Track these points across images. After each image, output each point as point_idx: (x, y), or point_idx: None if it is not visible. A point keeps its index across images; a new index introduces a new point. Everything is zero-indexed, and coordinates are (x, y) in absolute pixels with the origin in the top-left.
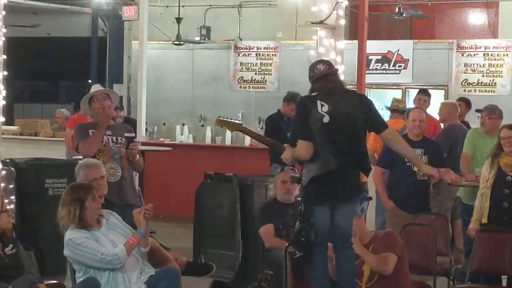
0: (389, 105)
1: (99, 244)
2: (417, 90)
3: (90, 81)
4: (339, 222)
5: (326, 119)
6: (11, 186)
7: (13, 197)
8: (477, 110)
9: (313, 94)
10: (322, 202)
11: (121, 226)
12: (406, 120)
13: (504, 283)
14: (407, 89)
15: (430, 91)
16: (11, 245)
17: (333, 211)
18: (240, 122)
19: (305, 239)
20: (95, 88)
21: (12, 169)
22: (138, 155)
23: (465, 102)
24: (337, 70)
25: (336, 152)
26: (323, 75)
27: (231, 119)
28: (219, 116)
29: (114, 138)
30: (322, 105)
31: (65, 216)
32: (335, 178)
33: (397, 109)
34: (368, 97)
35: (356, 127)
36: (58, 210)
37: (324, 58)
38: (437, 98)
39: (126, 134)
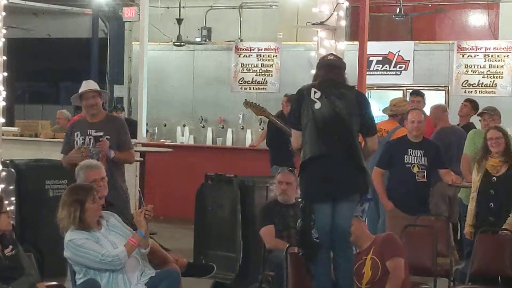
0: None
1: (99, 245)
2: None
3: None
4: (338, 220)
5: (317, 105)
6: (11, 187)
7: (13, 199)
8: (479, 114)
9: (311, 83)
10: (320, 198)
11: (121, 227)
12: (405, 121)
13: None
14: (407, 90)
15: (431, 92)
16: (10, 247)
17: (334, 209)
18: (265, 108)
19: (307, 237)
20: (86, 85)
21: (12, 170)
22: (112, 152)
23: (471, 103)
24: (345, 65)
25: (324, 139)
26: (329, 65)
27: (257, 104)
28: (245, 99)
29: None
30: (315, 92)
31: (65, 217)
32: (329, 170)
33: (392, 114)
34: (366, 98)
35: (347, 120)
36: (58, 212)
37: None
38: (437, 99)
39: (93, 133)
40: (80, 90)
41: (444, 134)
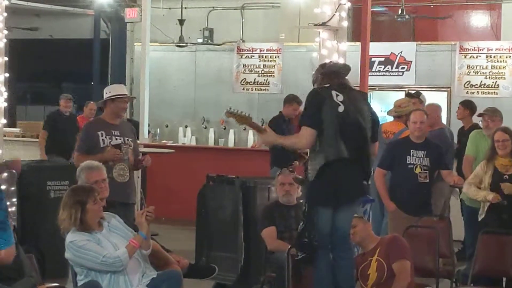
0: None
1: (101, 246)
2: (421, 91)
3: (92, 83)
4: (340, 223)
5: (341, 108)
6: (12, 188)
7: (14, 200)
8: (479, 115)
9: (326, 85)
10: (326, 202)
11: (123, 228)
12: (408, 122)
13: (504, 285)
14: (409, 91)
15: (433, 93)
16: None
17: (335, 212)
18: (249, 116)
19: (308, 240)
20: (120, 88)
21: (14, 171)
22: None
23: (462, 104)
24: (349, 68)
25: (347, 142)
26: (336, 71)
27: (241, 111)
28: (230, 108)
29: (122, 139)
30: (337, 95)
31: (66, 218)
32: (341, 174)
33: (397, 115)
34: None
35: (364, 124)
36: (59, 213)
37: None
38: (440, 100)
39: (117, 134)
40: (116, 93)
41: (444, 135)
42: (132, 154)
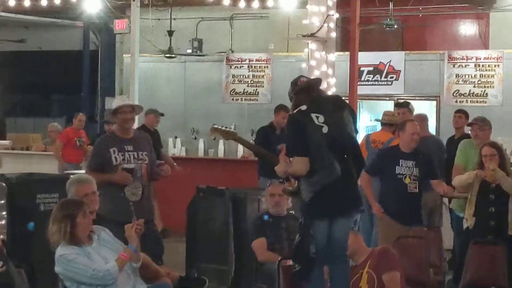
0: (380, 117)
1: (91, 260)
2: (410, 100)
3: (82, 94)
4: (337, 235)
5: (325, 129)
6: (2, 201)
7: (4, 213)
8: (468, 124)
9: (303, 108)
10: (324, 215)
11: (112, 242)
12: (397, 132)
13: None
14: (399, 100)
15: (422, 102)
16: (1, 263)
17: (332, 224)
18: (234, 131)
19: (305, 252)
20: (121, 100)
21: (3, 184)
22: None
23: (465, 114)
24: (320, 80)
25: (340, 159)
26: (306, 87)
27: (225, 127)
28: (214, 125)
29: (135, 154)
30: (317, 117)
31: (56, 232)
32: (339, 189)
33: (388, 123)
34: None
35: (350, 130)
36: (49, 226)
37: (305, 75)
38: (429, 109)
39: (130, 148)
40: (116, 105)
41: (424, 144)
42: (146, 169)
